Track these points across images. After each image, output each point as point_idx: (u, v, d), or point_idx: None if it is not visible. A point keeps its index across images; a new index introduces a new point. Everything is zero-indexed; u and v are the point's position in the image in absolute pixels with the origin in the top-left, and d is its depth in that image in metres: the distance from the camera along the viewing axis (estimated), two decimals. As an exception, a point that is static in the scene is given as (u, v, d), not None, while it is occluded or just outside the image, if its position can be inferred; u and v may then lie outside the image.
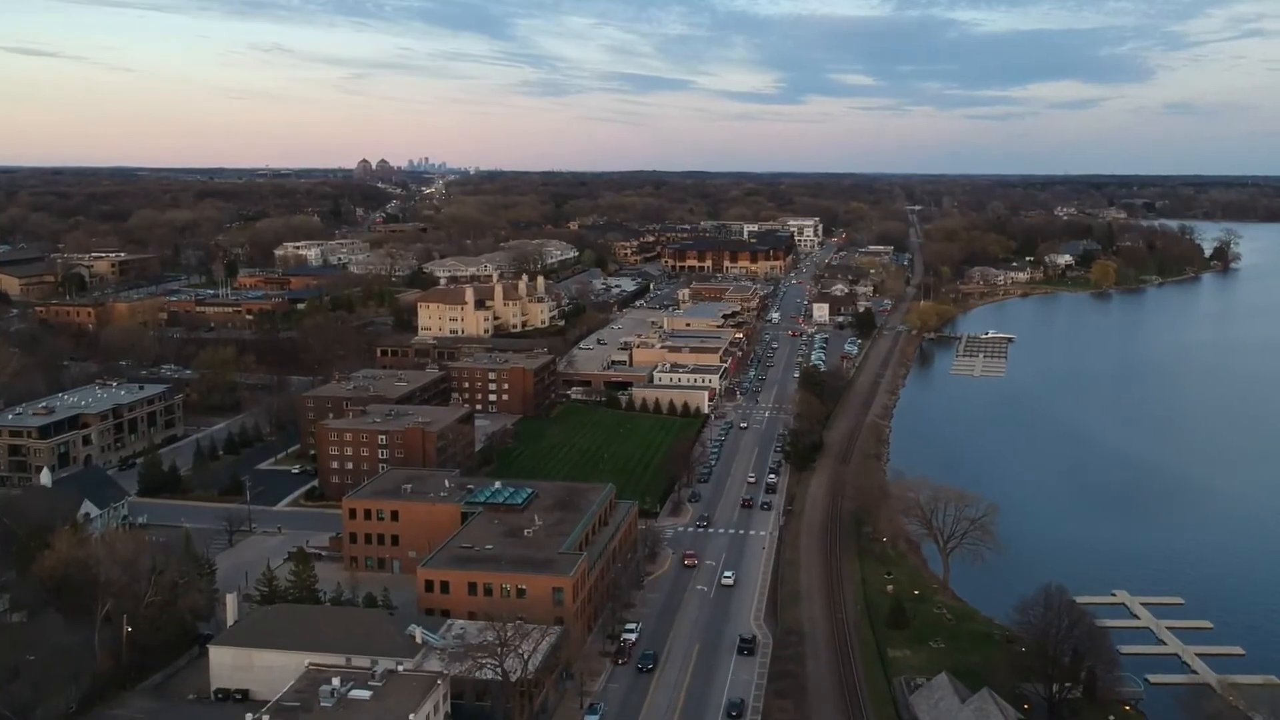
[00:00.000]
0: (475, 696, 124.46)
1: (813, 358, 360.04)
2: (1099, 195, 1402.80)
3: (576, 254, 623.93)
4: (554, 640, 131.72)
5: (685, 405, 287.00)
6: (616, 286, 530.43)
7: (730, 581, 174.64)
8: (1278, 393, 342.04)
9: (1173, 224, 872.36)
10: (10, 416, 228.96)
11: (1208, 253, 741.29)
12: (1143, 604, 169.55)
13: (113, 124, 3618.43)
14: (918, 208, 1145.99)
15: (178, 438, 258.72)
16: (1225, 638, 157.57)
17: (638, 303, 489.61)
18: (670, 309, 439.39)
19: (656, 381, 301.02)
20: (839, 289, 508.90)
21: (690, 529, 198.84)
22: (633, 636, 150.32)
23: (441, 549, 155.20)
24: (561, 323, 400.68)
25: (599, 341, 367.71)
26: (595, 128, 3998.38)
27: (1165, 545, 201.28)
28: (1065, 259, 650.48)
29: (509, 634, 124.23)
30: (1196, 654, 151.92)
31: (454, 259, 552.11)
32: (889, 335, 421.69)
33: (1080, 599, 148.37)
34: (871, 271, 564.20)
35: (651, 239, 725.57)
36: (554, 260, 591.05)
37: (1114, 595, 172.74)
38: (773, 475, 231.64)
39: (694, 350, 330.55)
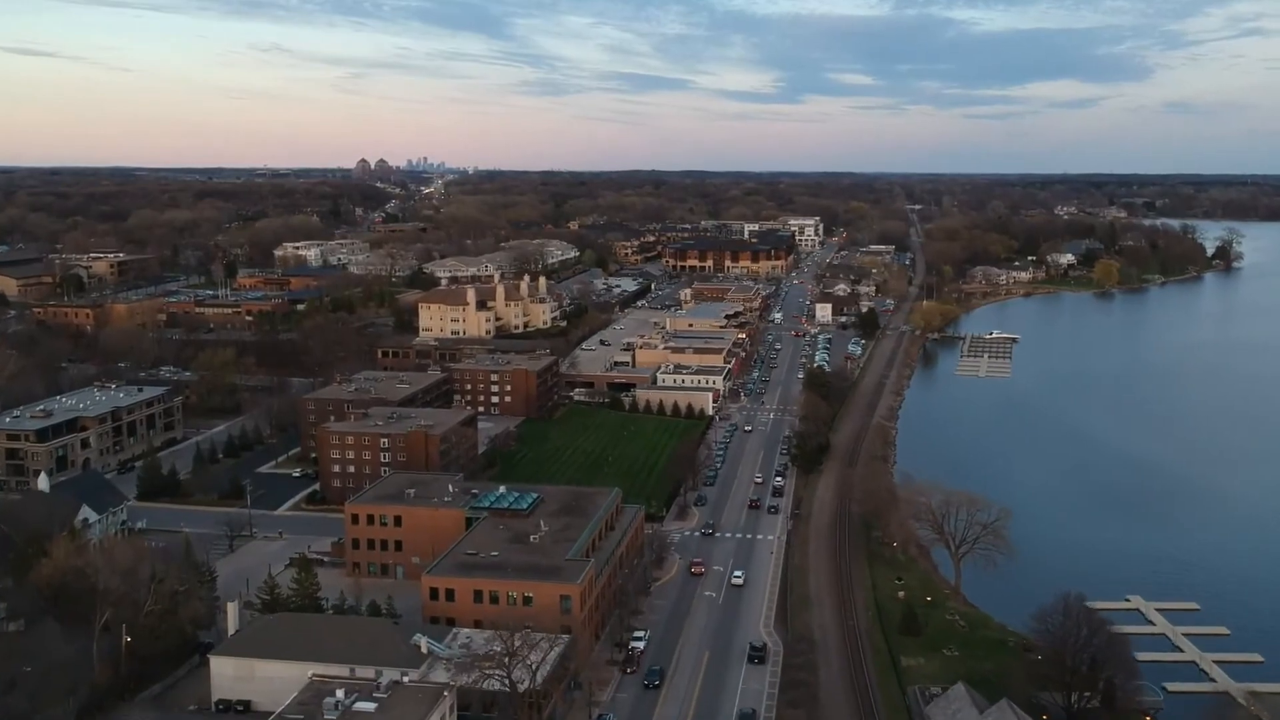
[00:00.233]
0: (482, 708, 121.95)
1: (817, 358, 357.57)
2: (1099, 194, 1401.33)
3: (577, 254, 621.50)
4: (562, 650, 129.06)
5: (689, 407, 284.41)
6: (617, 286, 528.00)
7: (740, 581, 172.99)
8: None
9: (1174, 223, 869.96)
10: (8, 419, 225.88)
11: (1210, 252, 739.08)
12: (1157, 609, 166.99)
13: (111, 124, 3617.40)
14: (918, 207, 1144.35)
15: (177, 440, 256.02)
16: (1243, 644, 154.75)
17: (639, 303, 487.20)
18: (673, 309, 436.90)
19: (660, 383, 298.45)
20: (841, 289, 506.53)
21: (696, 533, 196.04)
22: (641, 644, 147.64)
23: (446, 556, 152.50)
24: (563, 323, 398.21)
25: (601, 342, 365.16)
26: (594, 127, 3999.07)
27: (1177, 548, 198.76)
28: (1067, 258, 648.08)
29: (516, 644, 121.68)
30: (1214, 661, 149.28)
31: (454, 259, 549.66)
32: (892, 335, 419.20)
33: (1094, 605, 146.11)
34: (873, 271, 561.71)
35: (652, 239, 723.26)
36: (555, 260, 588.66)
37: (1128, 600, 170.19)
38: (779, 478, 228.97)
39: (697, 351, 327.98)
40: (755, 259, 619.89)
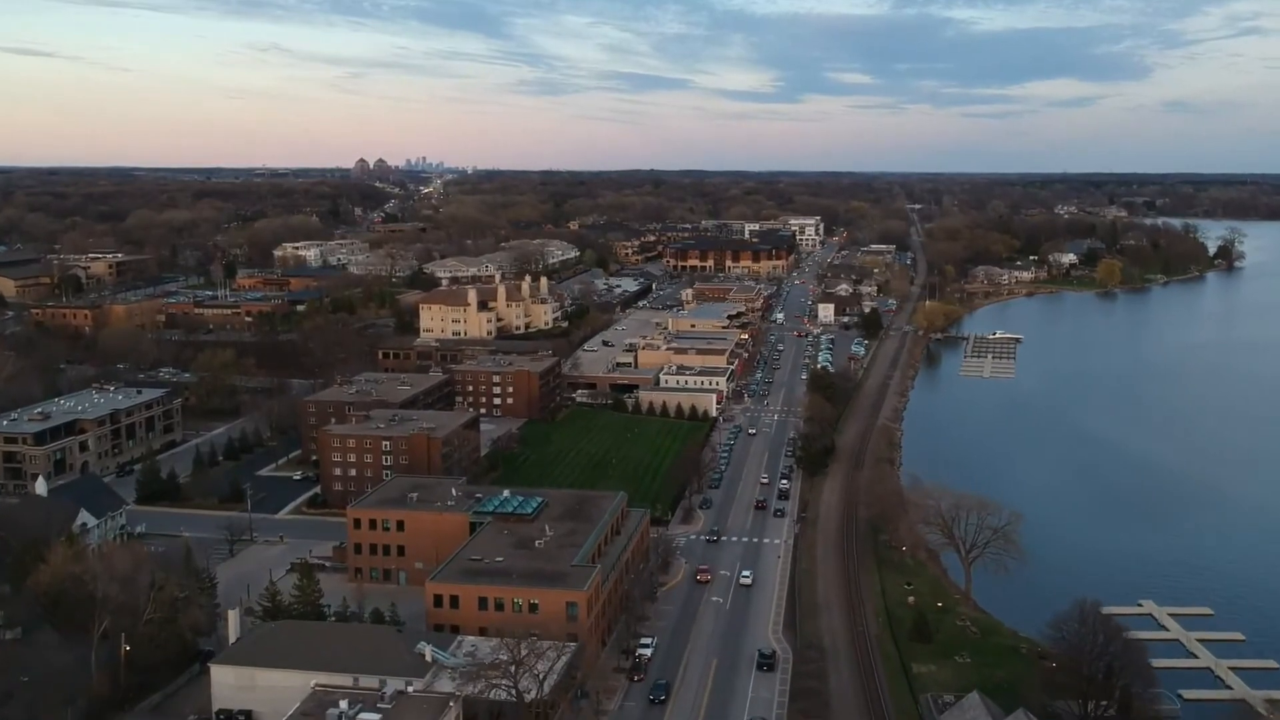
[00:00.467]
0: (489, 718, 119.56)
1: (820, 359, 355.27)
2: (1098, 194, 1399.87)
3: (577, 254, 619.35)
4: (569, 658, 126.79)
5: (692, 408, 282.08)
6: (618, 287, 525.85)
7: (749, 580, 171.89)
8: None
9: (1175, 222, 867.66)
10: (5, 422, 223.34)
11: (1212, 251, 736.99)
12: (1170, 615, 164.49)
13: (109, 124, 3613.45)
14: (918, 206, 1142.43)
15: (177, 443, 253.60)
16: (1258, 651, 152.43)
17: (640, 303, 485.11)
18: (675, 309, 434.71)
19: (663, 384, 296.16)
20: (843, 289, 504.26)
21: (702, 537, 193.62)
22: (648, 652, 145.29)
23: (450, 562, 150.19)
24: (565, 324, 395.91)
25: (604, 343, 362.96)
26: (593, 127, 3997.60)
27: (1189, 552, 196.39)
28: (1069, 258, 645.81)
29: (523, 652, 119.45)
30: (1230, 668, 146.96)
31: (455, 259, 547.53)
32: (895, 336, 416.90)
33: (1106, 610, 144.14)
34: (875, 271, 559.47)
35: (653, 239, 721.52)
36: (555, 260, 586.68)
37: (1140, 605, 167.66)
38: (784, 481, 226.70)
39: (700, 352, 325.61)
40: (756, 259, 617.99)
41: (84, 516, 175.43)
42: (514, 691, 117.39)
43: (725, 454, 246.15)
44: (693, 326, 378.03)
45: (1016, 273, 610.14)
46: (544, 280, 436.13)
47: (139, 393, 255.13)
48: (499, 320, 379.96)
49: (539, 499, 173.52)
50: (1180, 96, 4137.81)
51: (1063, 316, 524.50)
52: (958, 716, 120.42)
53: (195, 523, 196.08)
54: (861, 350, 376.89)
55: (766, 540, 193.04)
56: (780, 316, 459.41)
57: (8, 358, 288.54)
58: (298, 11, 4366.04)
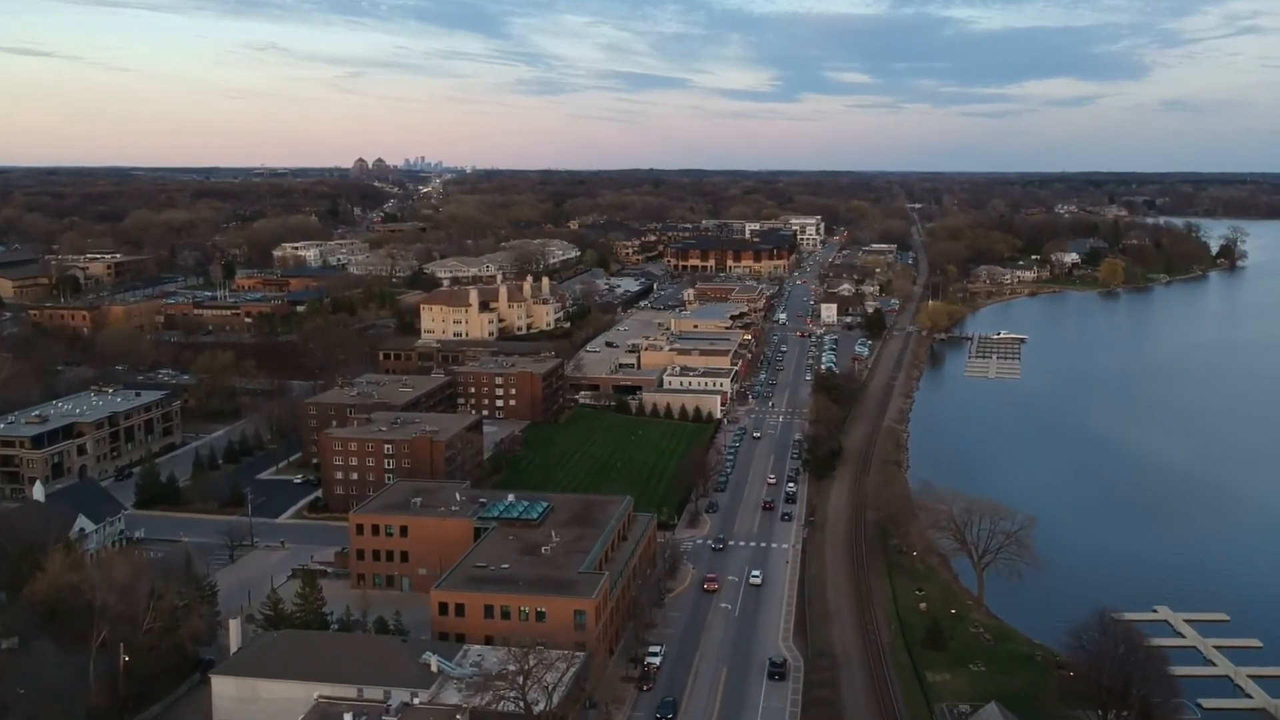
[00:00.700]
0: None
1: (824, 360, 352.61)
2: (1098, 193, 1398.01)
3: (578, 254, 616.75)
4: (578, 668, 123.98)
5: (697, 410, 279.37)
6: (619, 287, 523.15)
7: (759, 580, 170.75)
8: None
9: (1177, 221, 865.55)
10: (2, 425, 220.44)
11: (1214, 251, 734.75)
12: (1186, 621, 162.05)
13: (108, 124, 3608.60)
14: (918, 206, 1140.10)
15: (176, 446, 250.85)
16: (1277, 657, 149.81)
17: (642, 303, 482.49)
18: (677, 310, 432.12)
19: (666, 385, 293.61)
20: (845, 289, 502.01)
21: (709, 542, 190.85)
22: (657, 660, 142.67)
23: (455, 569, 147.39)
24: (567, 325, 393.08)
25: (607, 344, 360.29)
26: (591, 126, 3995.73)
27: (1201, 555, 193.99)
28: (1071, 257, 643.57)
29: (531, 663, 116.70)
30: (1249, 676, 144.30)
31: (455, 259, 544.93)
32: (899, 336, 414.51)
33: (1119, 616, 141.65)
34: (877, 271, 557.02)
35: (653, 238, 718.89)
36: (556, 260, 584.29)
37: (1155, 611, 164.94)
38: (791, 484, 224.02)
39: (703, 353, 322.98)
40: (757, 258, 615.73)
41: (82, 522, 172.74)
42: (522, 703, 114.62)
43: (730, 456, 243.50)
44: (695, 327, 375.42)
45: (1019, 272, 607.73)
46: (546, 280, 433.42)
47: (138, 395, 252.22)
48: (500, 321, 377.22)
49: (544, 504, 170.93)
50: (1179, 95, 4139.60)
51: (1066, 316, 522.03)
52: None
53: (195, 527, 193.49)
54: (865, 351, 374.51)
55: (774, 545, 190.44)
56: (783, 317, 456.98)
57: (5, 359, 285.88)
58: (296, 11, 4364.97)
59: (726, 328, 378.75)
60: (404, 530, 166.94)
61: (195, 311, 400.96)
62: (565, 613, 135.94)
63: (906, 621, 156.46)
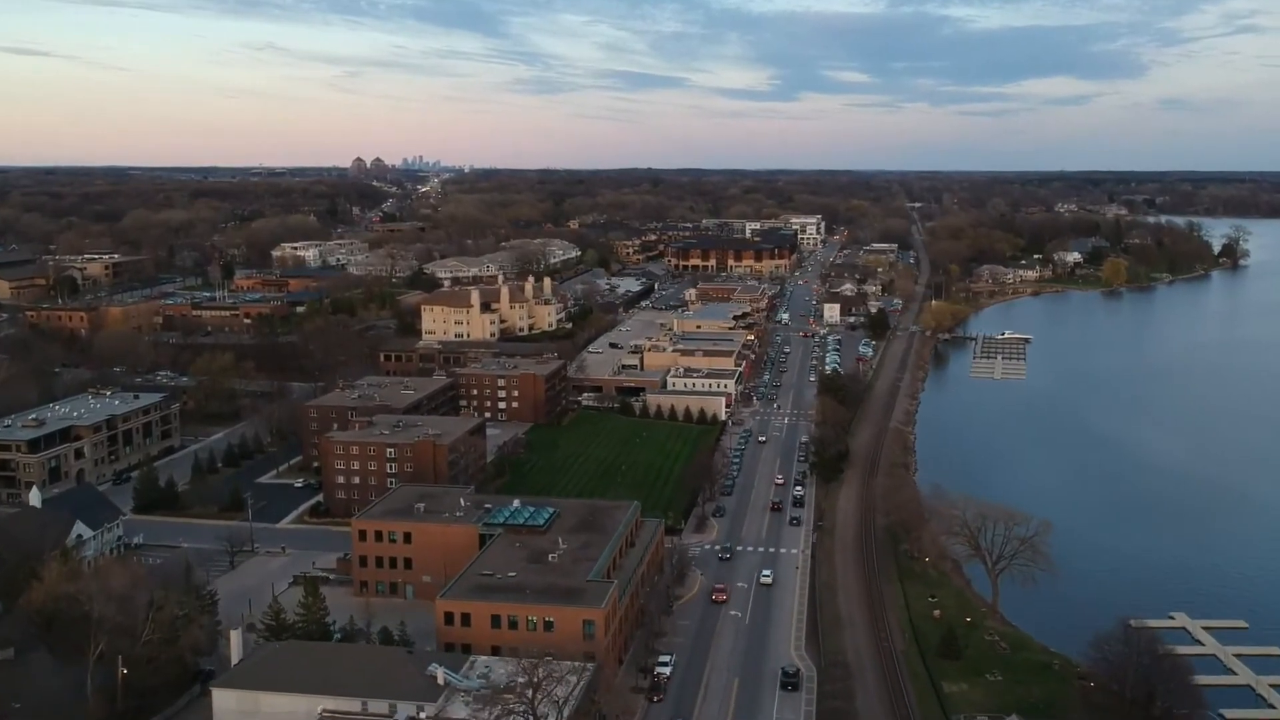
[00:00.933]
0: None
1: (828, 361, 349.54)
2: (1097, 191, 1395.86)
3: (579, 253, 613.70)
4: (588, 680, 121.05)
5: (701, 412, 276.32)
6: (620, 286, 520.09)
7: (769, 580, 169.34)
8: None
9: (1179, 220, 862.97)
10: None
11: (1216, 250, 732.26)
12: (1204, 628, 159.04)
13: (106, 123, 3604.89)
14: (918, 205, 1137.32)
15: (175, 449, 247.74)
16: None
17: (643, 303, 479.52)
18: (679, 310, 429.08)
19: (670, 387, 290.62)
20: (848, 289, 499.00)
21: (715, 548, 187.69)
22: (667, 671, 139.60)
23: (461, 577, 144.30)
24: (569, 325, 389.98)
25: (611, 345, 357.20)
26: (589, 125, 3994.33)
27: (1217, 560, 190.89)
28: (1074, 256, 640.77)
29: (541, 675, 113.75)
30: (1271, 685, 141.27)
31: (455, 259, 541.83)
32: (902, 336, 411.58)
33: (1135, 623, 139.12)
34: (879, 270, 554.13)
35: (654, 238, 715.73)
36: (557, 260, 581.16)
37: (1172, 618, 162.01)
38: (799, 488, 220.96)
39: (707, 354, 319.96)
40: (758, 258, 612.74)
41: (79, 528, 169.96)
42: (532, 717, 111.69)
43: (736, 459, 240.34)
44: (698, 328, 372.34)
45: (1021, 272, 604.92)
46: (548, 281, 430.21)
47: (136, 397, 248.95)
48: (502, 322, 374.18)
49: (551, 509, 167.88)
50: (1177, 94, 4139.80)
51: (1070, 316, 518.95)
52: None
53: (194, 532, 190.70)
54: (869, 351, 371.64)
55: (783, 550, 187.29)
56: (785, 317, 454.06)
57: (2, 361, 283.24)
58: (294, 11, 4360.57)
59: (729, 328, 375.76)
60: (407, 536, 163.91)
61: (194, 312, 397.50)
62: (574, 622, 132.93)
63: (920, 629, 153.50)
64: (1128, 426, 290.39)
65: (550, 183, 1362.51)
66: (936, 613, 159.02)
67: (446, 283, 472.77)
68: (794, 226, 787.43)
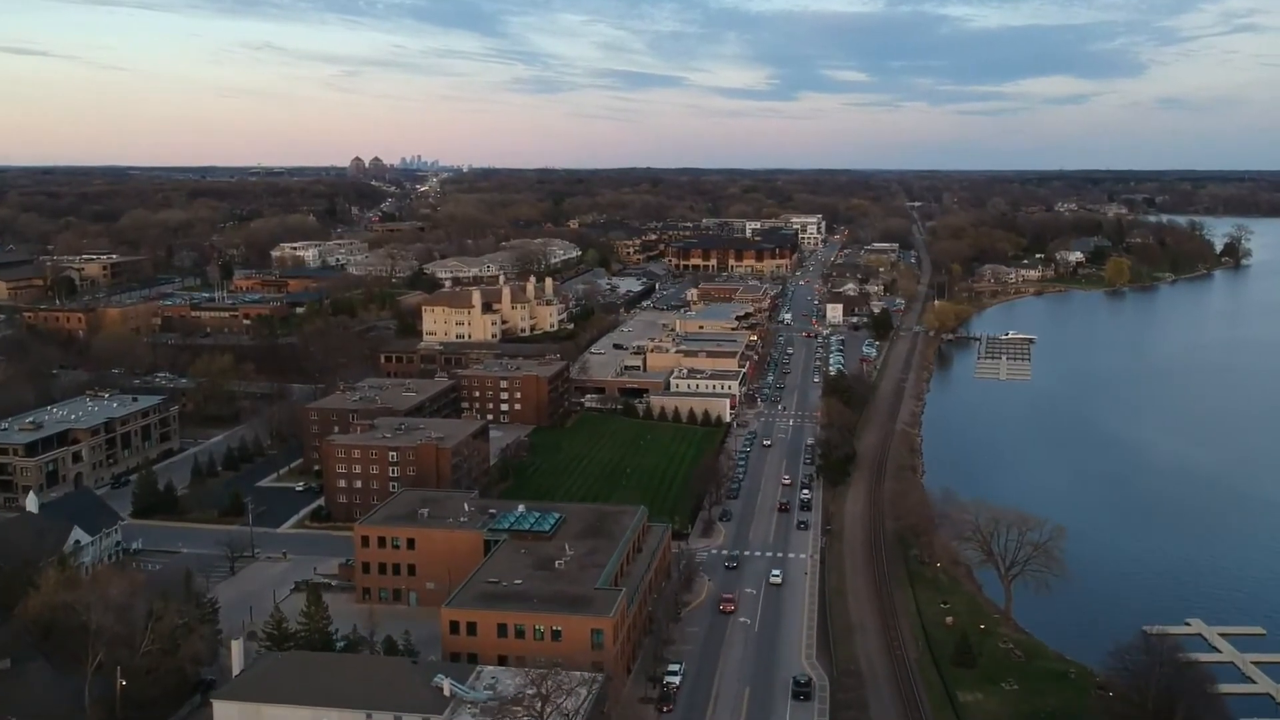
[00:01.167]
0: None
1: (832, 362, 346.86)
2: (1097, 190, 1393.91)
3: (579, 253, 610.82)
4: (598, 692, 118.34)
5: (705, 414, 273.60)
6: (621, 287, 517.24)
7: (778, 580, 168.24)
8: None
9: (1180, 219, 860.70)
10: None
11: (1218, 249, 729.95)
12: (1221, 635, 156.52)
13: (104, 123, 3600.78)
14: (918, 204, 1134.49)
15: (174, 452, 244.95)
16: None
17: (645, 303, 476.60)
18: (682, 310, 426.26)
19: (673, 388, 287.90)
20: (850, 288, 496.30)
21: (722, 554, 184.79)
22: (676, 680, 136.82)
23: (466, 585, 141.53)
24: (571, 326, 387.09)
25: (614, 346, 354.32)
26: (588, 125, 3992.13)
27: (1231, 565, 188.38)
28: (1076, 256, 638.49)
29: (550, 686, 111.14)
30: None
31: (455, 259, 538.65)
32: (906, 336, 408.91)
33: (1151, 629, 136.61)
34: (881, 270, 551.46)
35: (654, 237, 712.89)
36: (557, 260, 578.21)
37: (1188, 625, 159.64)
38: (806, 490, 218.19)
39: (710, 354, 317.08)
40: (759, 258, 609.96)
41: (77, 534, 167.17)
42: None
43: (742, 462, 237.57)
44: (701, 328, 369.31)
45: (1023, 271, 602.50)
46: (549, 281, 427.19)
47: (134, 400, 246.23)
48: (504, 322, 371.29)
49: (556, 515, 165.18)
50: (1175, 93, 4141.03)
51: (1073, 316, 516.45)
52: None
53: (194, 537, 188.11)
54: (873, 352, 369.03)
55: (792, 555, 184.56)
56: (788, 317, 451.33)
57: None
58: (292, 10, 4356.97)
59: (732, 329, 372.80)
60: (411, 543, 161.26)
61: (193, 313, 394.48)
62: (582, 632, 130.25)
63: (933, 636, 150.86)
64: (1135, 427, 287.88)
65: (549, 182, 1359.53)
66: (949, 619, 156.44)
67: (447, 283, 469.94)
68: (794, 226, 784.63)
